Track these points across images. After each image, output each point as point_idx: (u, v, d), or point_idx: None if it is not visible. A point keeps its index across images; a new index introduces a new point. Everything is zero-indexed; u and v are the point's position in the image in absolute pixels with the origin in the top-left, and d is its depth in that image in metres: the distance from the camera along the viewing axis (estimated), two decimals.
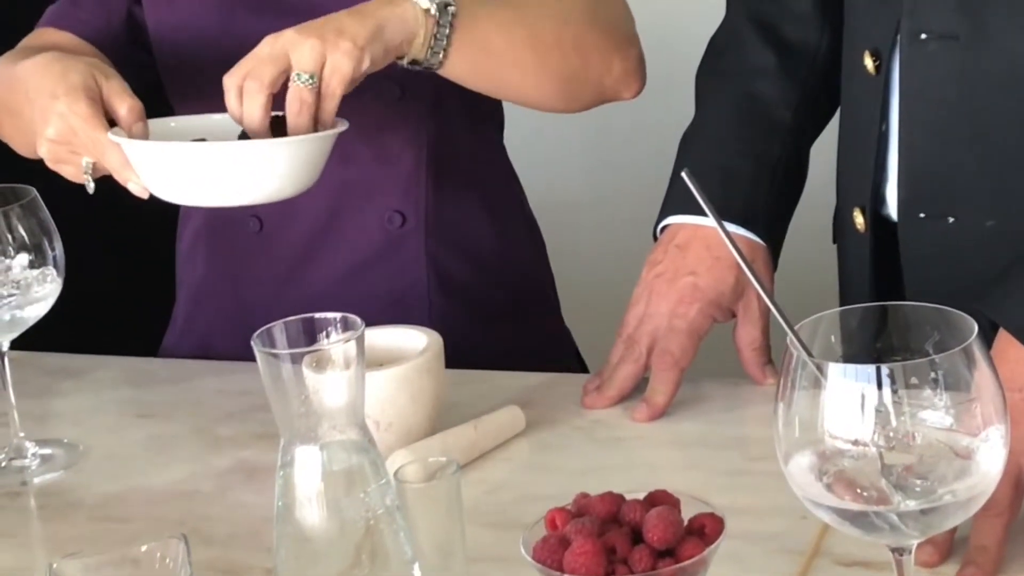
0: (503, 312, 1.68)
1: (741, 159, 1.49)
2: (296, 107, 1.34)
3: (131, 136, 1.37)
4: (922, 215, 1.38)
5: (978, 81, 1.32)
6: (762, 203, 1.48)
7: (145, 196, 1.39)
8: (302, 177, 1.37)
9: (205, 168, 1.34)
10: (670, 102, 1.65)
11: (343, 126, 1.39)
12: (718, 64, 1.56)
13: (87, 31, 1.62)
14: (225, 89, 1.36)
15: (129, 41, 1.65)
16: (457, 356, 1.47)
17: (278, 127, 1.37)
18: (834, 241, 1.54)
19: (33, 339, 1.47)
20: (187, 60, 1.61)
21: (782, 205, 1.51)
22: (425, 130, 1.61)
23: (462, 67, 1.44)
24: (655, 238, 1.51)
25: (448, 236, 1.63)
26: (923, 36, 1.35)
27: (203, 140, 1.40)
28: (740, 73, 1.53)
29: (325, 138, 1.37)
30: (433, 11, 1.39)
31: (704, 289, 1.44)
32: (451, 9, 1.41)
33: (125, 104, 1.38)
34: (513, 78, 1.50)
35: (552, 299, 1.77)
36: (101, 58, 1.59)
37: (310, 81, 1.34)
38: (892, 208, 1.42)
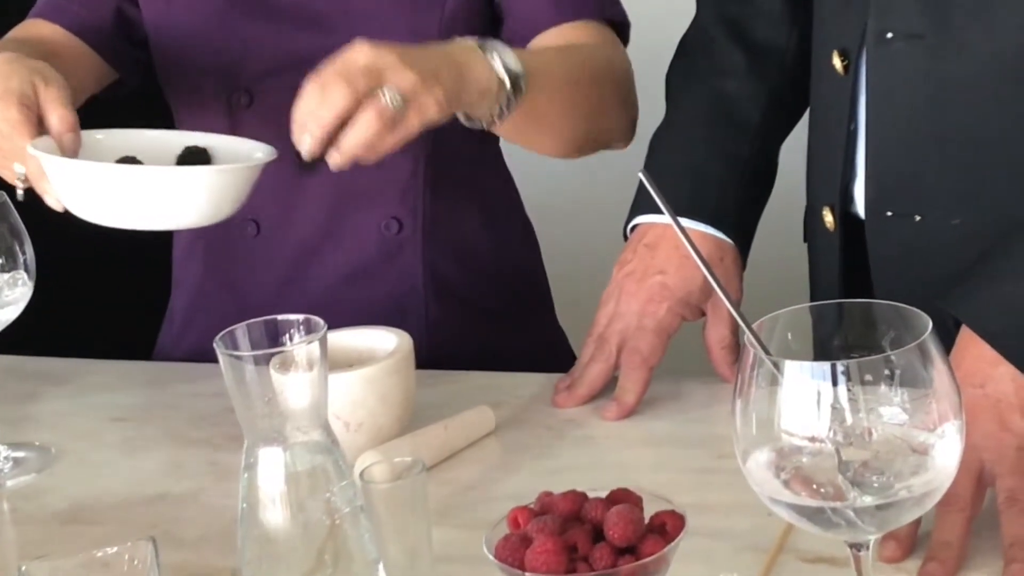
0: (499, 315, 1.68)
1: (710, 159, 1.49)
2: (372, 124, 1.26)
3: (61, 147, 1.35)
4: (889, 213, 1.38)
5: (944, 80, 1.33)
6: (731, 203, 1.48)
7: (60, 210, 1.37)
8: (222, 207, 1.33)
9: (111, 190, 1.31)
10: None
11: (272, 155, 1.35)
12: (688, 64, 1.57)
13: (76, 25, 1.62)
14: (305, 91, 1.28)
15: (120, 37, 1.64)
16: (453, 359, 1.47)
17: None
18: (804, 240, 1.55)
19: (24, 343, 1.47)
20: (182, 60, 1.60)
21: (751, 205, 1.51)
22: (423, 136, 1.59)
23: (506, 129, 1.44)
24: (625, 238, 1.51)
25: (445, 241, 1.63)
26: (889, 36, 1.35)
27: (132, 158, 1.38)
28: (709, 73, 1.53)
29: (248, 169, 1.32)
30: (507, 85, 1.37)
31: (673, 288, 1.44)
32: (522, 84, 1.38)
33: (55, 113, 1.36)
34: (544, 138, 1.52)
35: (547, 301, 1.77)
36: (86, 53, 1.60)
37: (401, 105, 1.28)
38: (860, 207, 1.42)
